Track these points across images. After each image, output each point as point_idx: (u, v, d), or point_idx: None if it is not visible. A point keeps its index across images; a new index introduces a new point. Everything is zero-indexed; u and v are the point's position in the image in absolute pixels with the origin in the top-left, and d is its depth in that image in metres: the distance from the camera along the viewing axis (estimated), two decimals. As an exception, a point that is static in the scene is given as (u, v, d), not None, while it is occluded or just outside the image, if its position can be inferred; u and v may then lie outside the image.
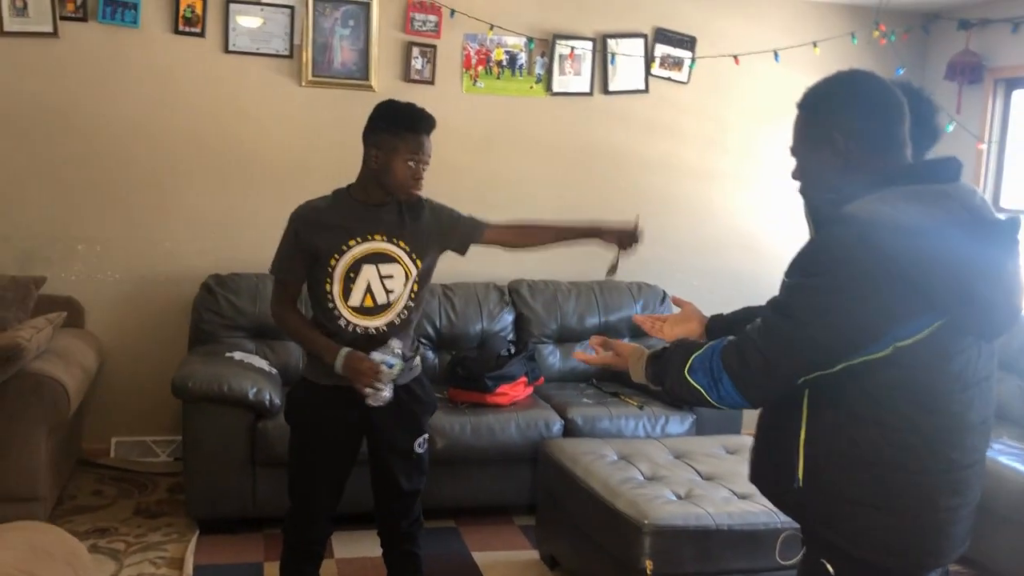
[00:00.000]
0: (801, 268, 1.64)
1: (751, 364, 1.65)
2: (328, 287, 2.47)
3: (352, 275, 2.47)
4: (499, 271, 4.59)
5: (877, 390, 1.60)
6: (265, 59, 4.28)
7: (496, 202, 4.53)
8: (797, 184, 1.81)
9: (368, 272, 2.47)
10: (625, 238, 2.56)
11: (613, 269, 2.58)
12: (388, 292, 2.49)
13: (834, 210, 1.63)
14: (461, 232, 2.60)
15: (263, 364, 3.79)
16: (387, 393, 2.45)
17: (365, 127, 2.49)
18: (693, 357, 1.73)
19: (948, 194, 1.64)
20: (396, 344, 2.46)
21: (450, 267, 4.32)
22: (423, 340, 4.21)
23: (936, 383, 1.62)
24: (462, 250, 2.65)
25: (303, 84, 4.32)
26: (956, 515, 1.67)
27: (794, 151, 1.80)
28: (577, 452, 3.25)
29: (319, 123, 4.34)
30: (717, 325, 2.17)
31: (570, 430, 3.82)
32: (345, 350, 2.44)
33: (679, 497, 2.90)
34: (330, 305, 2.49)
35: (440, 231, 2.56)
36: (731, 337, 1.72)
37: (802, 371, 1.62)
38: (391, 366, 2.42)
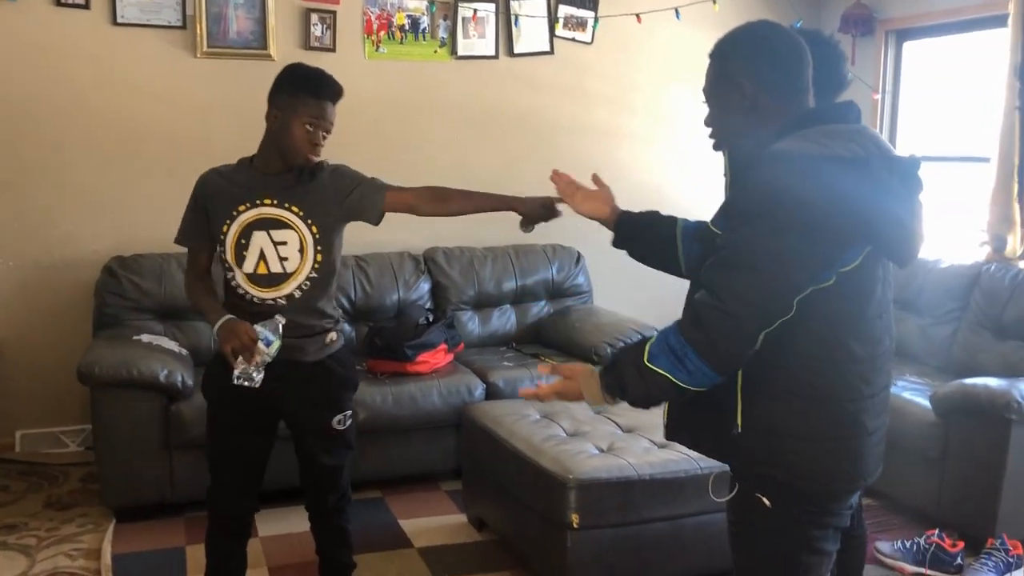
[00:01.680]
0: (739, 215, 1.66)
1: (714, 327, 1.61)
2: (223, 254, 2.44)
3: (243, 241, 2.41)
4: (413, 240, 4.56)
5: (815, 322, 1.64)
6: (156, 31, 4.12)
7: (402, 169, 4.45)
8: (708, 131, 1.84)
9: (259, 238, 2.41)
10: (536, 215, 2.43)
11: (529, 225, 2.47)
12: (283, 260, 2.42)
13: (757, 152, 1.68)
14: (363, 196, 2.47)
15: (172, 346, 3.70)
16: (256, 376, 2.33)
17: (271, 88, 2.43)
18: (648, 346, 1.68)
19: (860, 132, 1.72)
20: (281, 321, 2.36)
21: (361, 237, 4.28)
22: (339, 312, 4.16)
23: (864, 310, 1.70)
24: (372, 219, 2.50)
25: (198, 56, 4.18)
26: (876, 437, 1.77)
27: (706, 96, 1.84)
28: (500, 414, 3.27)
29: (217, 96, 4.22)
30: (624, 221, 2.17)
31: (492, 393, 3.85)
32: (226, 317, 2.37)
33: (601, 451, 2.94)
34: (229, 275, 2.45)
35: (339, 195, 2.46)
36: (673, 321, 1.69)
37: (766, 320, 1.60)
38: (269, 343, 2.32)
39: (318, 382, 2.51)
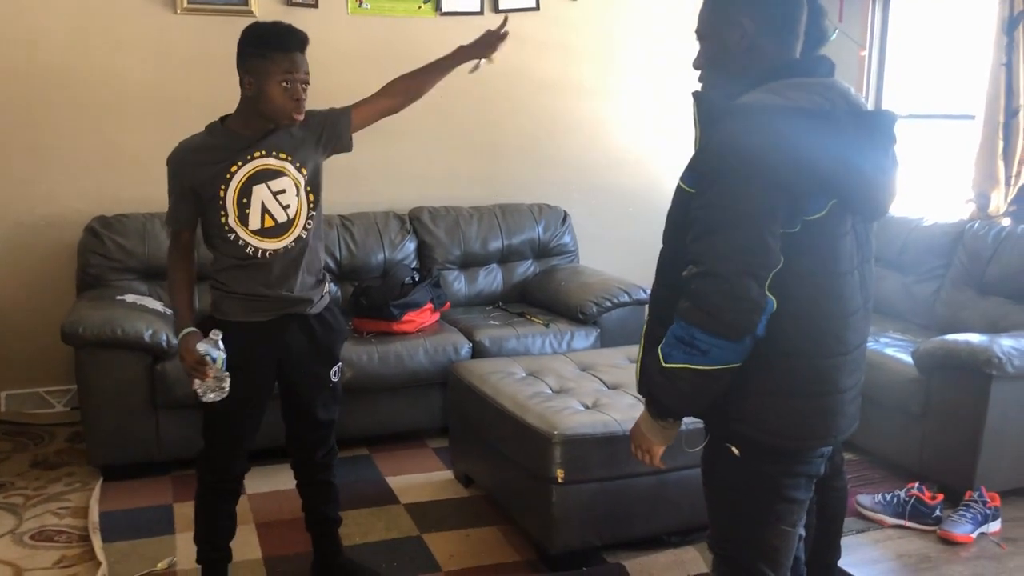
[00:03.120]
0: (704, 176, 1.65)
1: (707, 295, 1.60)
2: (224, 219, 2.39)
3: (245, 200, 2.39)
4: (399, 199, 4.54)
5: (787, 280, 1.64)
6: (135, -14, 4.05)
7: (385, 126, 4.42)
8: (697, 73, 1.83)
9: (260, 192, 2.40)
10: (489, 46, 2.62)
11: (476, 66, 2.65)
12: (285, 208, 2.42)
13: (726, 104, 1.67)
14: (333, 125, 2.51)
15: (157, 305, 3.68)
16: (223, 386, 2.34)
17: (236, 55, 2.39)
18: (660, 348, 1.67)
19: (828, 86, 1.72)
20: (218, 336, 2.36)
21: (346, 196, 4.30)
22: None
23: (833, 265, 1.69)
24: (346, 145, 2.56)
25: (178, 12, 4.11)
26: (850, 394, 1.78)
27: (700, 35, 1.81)
28: (486, 372, 3.28)
29: (198, 53, 4.15)
30: None
31: (478, 352, 3.86)
32: (184, 332, 2.37)
33: (586, 407, 2.96)
34: (231, 236, 2.41)
35: (314, 134, 2.47)
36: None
37: (755, 274, 1.59)
38: (214, 359, 2.32)
39: (319, 334, 2.55)
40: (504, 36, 2.58)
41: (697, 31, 1.81)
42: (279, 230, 2.43)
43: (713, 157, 1.65)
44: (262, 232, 2.42)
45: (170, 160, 2.43)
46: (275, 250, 2.43)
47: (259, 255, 2.43)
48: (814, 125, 1.62)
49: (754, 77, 1.70)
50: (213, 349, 2.33)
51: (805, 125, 1.61)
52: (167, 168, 2.43)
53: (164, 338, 3.40)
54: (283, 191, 2.42)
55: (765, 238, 1.59)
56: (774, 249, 1.60)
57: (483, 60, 2.60)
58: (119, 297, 3.65)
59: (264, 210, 2.41)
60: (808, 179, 1.61)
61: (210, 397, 2.36)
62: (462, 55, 2.62)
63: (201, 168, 2.39)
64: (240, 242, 2.41)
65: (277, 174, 2.42)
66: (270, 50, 2.33)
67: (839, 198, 1.66)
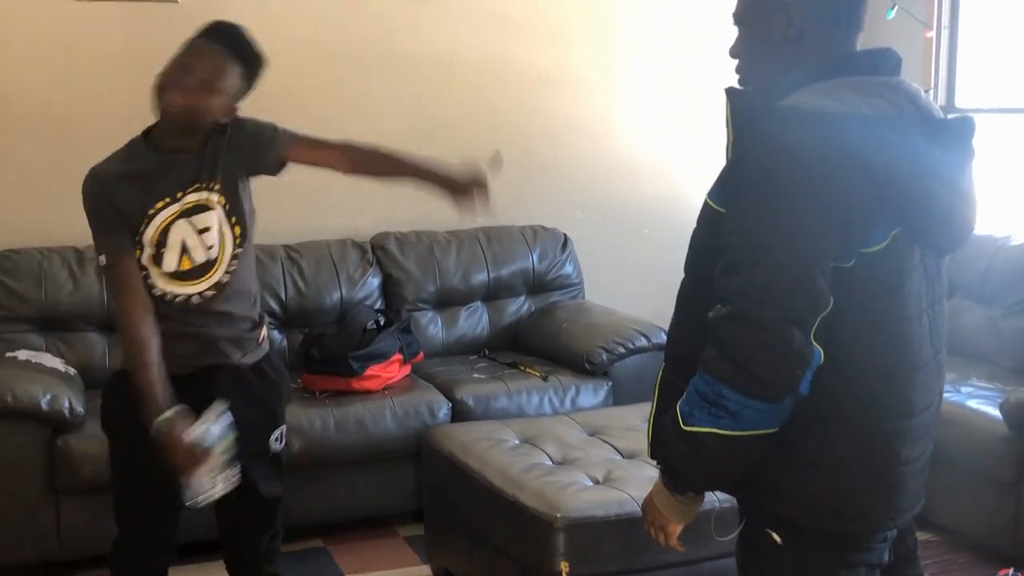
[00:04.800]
0: (737, 191, 1.66)
1: (739, 344, 1.60)
2: (139, 254, 2.45)
3: (162, 239, 2.44)
4: (358, 223, 4.55)
5: (838, 326, 1.63)
6: (25, -32, 4.09)
7: (344, 134, 4.45)
8: (734, 64, 1.84)
9: (181, 230, 2.44)
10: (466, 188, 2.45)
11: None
12: (208, 248, 2.46)
13: (766, 104, 1.68)
14: (264, 145, 2.51)
15: (56, 363, 3.68)
16: (214, 487, 2.33)
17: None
18: (679, 407, 1.68)
19: (893, 87, 1.73)
20: (220, 406, 2.37)
21: (293, 221, 4.30)
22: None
23: (897, 308, 1.69)
24: (272, 168, 2.54)
25: (81, -1, 4.16)
26: (915, 466, 1.78)
27: (739, 20, 1.83)
28: (469, 439, 3.29)
29: (106, 48, 4.18)
30: None
31: (460, 414, 3.87)
32: (163, 416, 2.32)
33: (596, 482, 2.97)
34: (144, 275, 2.45)
35: (242, 149, 2.49)
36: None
37: (798, 315, 1.58)
38: (214, 441, 2.30)
39: (258, 390, 2.56)
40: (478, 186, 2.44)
41: (735, 14, 1.84)
42: (196, 273, 2.46)
43: (749, 168, 1.66)
44: (176, 275, 2.46)
45: (90, 182, 2.47)
46: (189, 295, 2.46)
47: (175, 300, 2.46)
48: (876, 135, 1.63)
49: (802, 73, 1.72)
50: (215, 425, 2.32)
51: (865, 134, 1.62)
52: (84, 192, 2.47)
53: (66, 404, 3.40)
54: (208, 228, 2.46)
55: (813, 273, 1.59)
56: (823, 288, 1.60)
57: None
58: (9, 354, 3.65)
59: (183, 250, 2.45)
60: (868, 202, 1.62)
61: (195, 502, 2.33)
62: (441, 183, 2.49)
63: (122, 194, 2.43)
64: (151, 283, 2.46)
65: (203, 208, 2.45)
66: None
67: (905, 226, 1.67)
